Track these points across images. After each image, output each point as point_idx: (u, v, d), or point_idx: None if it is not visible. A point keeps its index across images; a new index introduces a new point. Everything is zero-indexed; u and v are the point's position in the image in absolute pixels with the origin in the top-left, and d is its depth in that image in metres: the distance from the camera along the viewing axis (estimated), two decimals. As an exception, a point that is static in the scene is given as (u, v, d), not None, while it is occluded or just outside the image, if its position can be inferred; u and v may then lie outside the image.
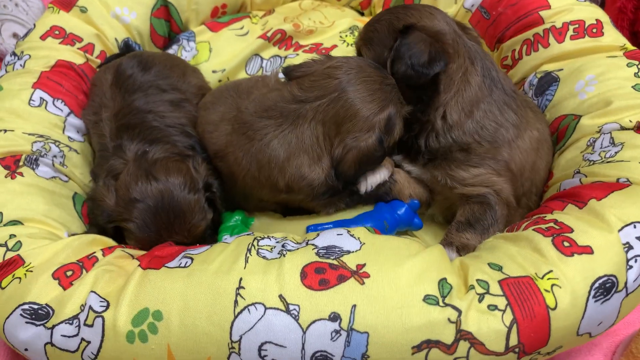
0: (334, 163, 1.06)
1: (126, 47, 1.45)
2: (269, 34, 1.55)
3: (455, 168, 1.13)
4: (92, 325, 0.82)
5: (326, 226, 1.08)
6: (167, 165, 1.08)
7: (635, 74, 1.20)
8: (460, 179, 1.13)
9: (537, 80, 1.32)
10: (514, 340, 0.79)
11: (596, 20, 1.32)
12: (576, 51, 1.29)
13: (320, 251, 0.83)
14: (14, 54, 1.35)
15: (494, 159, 1.12)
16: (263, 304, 0.77)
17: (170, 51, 1.57)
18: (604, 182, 1.02)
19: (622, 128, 1.13)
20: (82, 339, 0.82)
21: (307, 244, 0.86)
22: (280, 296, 0.77)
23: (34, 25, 1.41)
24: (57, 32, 1.38)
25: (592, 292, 0.84)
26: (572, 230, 0.91)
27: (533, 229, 0.94)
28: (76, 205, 1.16)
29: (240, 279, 0.79)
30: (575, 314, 0.83)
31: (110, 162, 1.13)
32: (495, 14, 1.45)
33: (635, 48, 1.28)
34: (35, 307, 0.87)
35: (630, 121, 1.12)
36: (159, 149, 1.13)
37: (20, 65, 1.31)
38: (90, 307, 0.84)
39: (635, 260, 0.89)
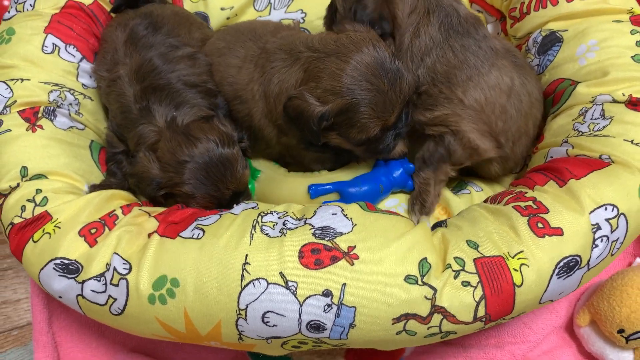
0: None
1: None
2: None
3: (417, 113, 1.22)
4: (117, 285, 0.95)
5: (327, 187, 1.17)
6: (201, 126, 1.15)
7: (637, 43, 1.22)
8: (423, 122, 1.22)
9: (542, 38, 1.33)
10: (481, 312, 0.92)
11: (607, -21, 1.30)
12: (583, 12, 1.29)
13: (316, 232, 0.93)
14: (23, -10, 1.36)
15: (447, 98, 1.18)
16: (266, 280, 0.88)
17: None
18: (587, 158, 1.09)
19: (614, 101, 1.17)
20: (110, 296, 0.95)
21: (304, 222, 0.96)
22: (281, 273, 0.88)
23: (40, -41, 1.39)
24: (63, -33, 1.37)
25: (557, 270, 0.95)
26: (547, 211, 1.00)
27: (513, 206, 1.03)
28: (93, 154, 1.25)
29: (246, 255, 0.90)
30: (538, 289, 0.95)
31: (139, 128, 1.17)
32: None
33: (642, 12, 1.28)
34: (66, 262, 0.99)
35: (623, 94, 1.16)
36: (186, 112, 1.19)
37: (30, 5, 1.33)
38: (115, 269, 0.96)
39: (602, 240, 0.99)
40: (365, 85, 1.05)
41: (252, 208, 1.03)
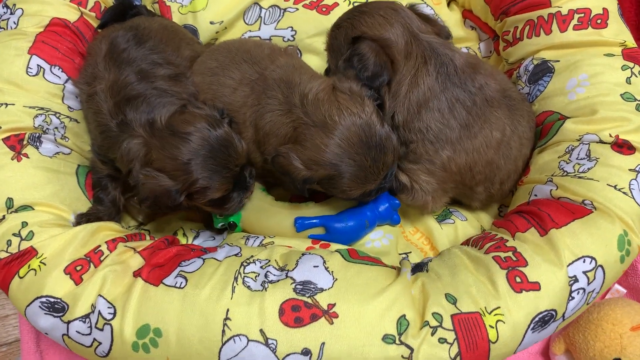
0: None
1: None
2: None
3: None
4: (102, 330, 0.97)
5: (313, 221, 1.19)
6: (183, 118, 1.11)
7: (627, 79, 1.22)
8: (399, 166, 1.23)
9: (533, 67, 1.32)
10: (456, 367, 0.95)
11: (603, 9, 1.29)
12: (577, 43, 1.28)
13: (297, 287, 0.95)
14: (5, 5, 1.32)
15: (430, 161, 1.19)
16: (246, 336, 0.90)
17: (168, -6, 1.52)
18: (570, 203, 1.11)
19: (601, 141, 1.17)
20: (95, 339, 0.98)
21: (286, 275, 0.97)
22: (261, 330, 0.91)
23: (24, -32, 1.35)
24: (48, -19, 1.34)
25: (532, 325, 0.98)
26: (526, 264, 1.01)
27: (493, 257, 1.04)
28: (79, 180, 1.24)
29: (227, 310, 0.92)
30: (513, 343, 0.98)
31: (124, 146, 1.11)
32: None
33: (635, 46, 1.27)
34: (52, 300, 1.01)
35: (610, 135, 1.17)
36: (162, 110, 1.14)
37: (14, 22, 1.30)
38: (100, 313, 0.98)
39: (578, 292, 1.01)
40: (347, 162, 1.07)
41: (235, 255, 1.04)
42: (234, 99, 1.24)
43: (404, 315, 0.94)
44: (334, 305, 0.93)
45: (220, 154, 1.09)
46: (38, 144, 1.20)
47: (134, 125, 1.13)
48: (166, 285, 0.98)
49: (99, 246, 1.08)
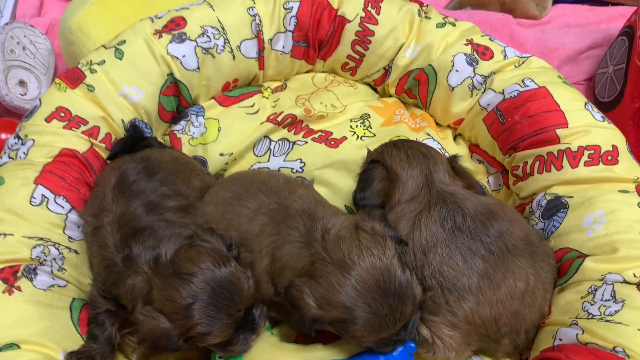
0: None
1: (133, 129, 1.43)
2: (279, 118, 1.52)
3: None
4: None
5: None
6: (187, 256, 1.05)
7: (645, 215, 1.18)
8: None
9: (546, 202, 1.30)
10: None
11: (612, 146, 1.29)
12: (589, 179, 1.27)
13: None
14: (17, 136, 1.33)
15: (452, 312, 1.11)
16: None
17: (178, 127, 1.54)
18: (600, 351, 1.02)
19: (625, 281, 1.12)
20: None
21: None
22: None
23: (40, 101, 1.38)
24: (62, 115, 1.35)
25: None
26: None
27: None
28: (73, 315, 1.16)
29: None
30: None
31: (128, 282, 1.07)
32: (511, 120, 1.41)
33: (648, 183, 1.25)
34: None
35: (635, 275, 1.11)
36: (167, 245, 1.10)
37: (24, 153, 1.30)
38: None
39: None
40: (361, 307, 0.99)
41: None
42: (250, 227, 1.19)
43: None
44: None
45: (223, 299, 1.02)
46: (33, 276, 1.14)
47: (139, 261, 1.08)
48: None
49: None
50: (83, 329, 1.17)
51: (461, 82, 1.55)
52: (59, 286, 1.18)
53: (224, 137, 1.50)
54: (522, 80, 1.44)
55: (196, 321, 0.99)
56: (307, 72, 1.72)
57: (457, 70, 1.56)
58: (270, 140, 1.51)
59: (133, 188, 1.21)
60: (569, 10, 2.26)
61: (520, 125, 1.41)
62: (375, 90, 1.74)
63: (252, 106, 1.57)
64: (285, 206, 1.18)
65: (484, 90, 1.52)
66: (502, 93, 1.47)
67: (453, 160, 1.27)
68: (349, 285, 0.99)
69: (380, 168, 1.21)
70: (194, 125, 1.53)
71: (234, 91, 1.61)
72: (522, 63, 1.52)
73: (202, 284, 1.01)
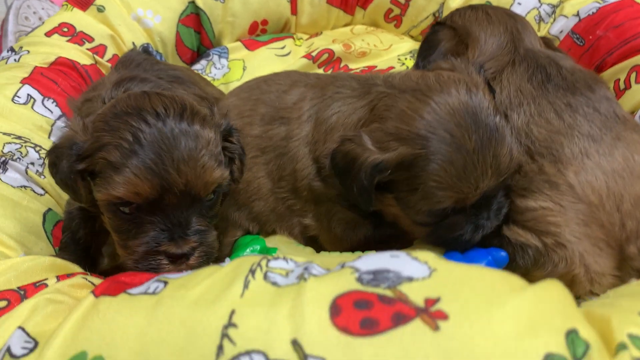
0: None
1: (145, 53, 1.23)
2: (314, 54, 1.31)
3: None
4: (0, 375, 0.53)
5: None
6: (161, 94, 0.74)
7: None
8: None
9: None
10: None
11: None
12: None
13: (363, 276, 0.51)
14: (11, 49, 1.15)
15: (549, 182, 0.80)
16: (264, 354, 0.45)
17: (198, 66, 1.34)
18: None
19: None
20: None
21: (342, 266, 0.54)
22: (294, 342, 0.45)
23: (42, 22, 1.22)
24: (65, 30, 1.18)
25: None
26: None
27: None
28: (46, 223, 0.90)
29: (232, 312, 0.48)
30: None
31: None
32: (592, 38, 1.19)
33: None
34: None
35: None
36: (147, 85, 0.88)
37: (15, 60, 1.11)
38: (8, 350, 0.55)
39: None
40: (443, 136, 0.71)
41: (258, 256, 0.61)
42: (284, 99, 0.95)
43: (574, 331, 0.47)
44: (436, 300, 0.48)
45: (167, 142, 0.67)
46: (1, 169, 0.89)
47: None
48: (130, 294, 0.56)
49: (45, 279, 0.69)
50: (56, 242, 0.89)
51: (526, 15, 1.35)
52: (34, 192, 0.93)
53: (249, 77, 1.28)
54: (599, -3, 1.23)
55: (115, 138, 0.68)
56: (345, 25, 1.53)
57: (519, 4, 1.37)
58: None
59: (142, 64, 1.01)
60: None
61: (604, 40, 1.18)
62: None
63: (283, 48, 1.38)
64: (330, 75, 0.97)
65: (554, 20, 1.31)
66: (577, 15, 1.27)
67: (546, 39, 1.05)
68: (426, 109, 0.72)
69: (447, 29, 0.99)
70: (215, 67, 1.33)
71: (262, 36, 1.42)
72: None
73: (157, 109, 0.70)
